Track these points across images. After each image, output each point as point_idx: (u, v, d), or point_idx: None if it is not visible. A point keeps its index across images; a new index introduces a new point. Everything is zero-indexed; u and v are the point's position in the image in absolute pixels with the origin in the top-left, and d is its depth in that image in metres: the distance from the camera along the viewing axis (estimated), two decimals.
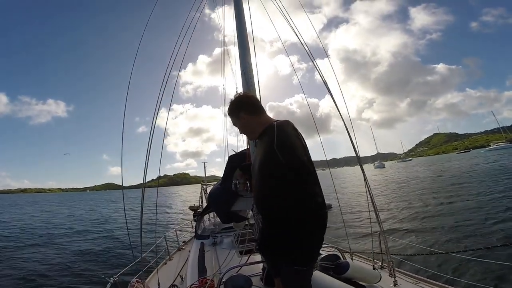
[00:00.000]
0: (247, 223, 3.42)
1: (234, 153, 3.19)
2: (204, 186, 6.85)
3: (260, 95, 2.42)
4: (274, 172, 1.35)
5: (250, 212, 3.60)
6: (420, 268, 3.47)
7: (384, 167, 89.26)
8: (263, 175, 1.40)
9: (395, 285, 2.28)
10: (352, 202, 15.36)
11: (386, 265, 2.62)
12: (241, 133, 1.71)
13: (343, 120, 2.63)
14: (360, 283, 2.14)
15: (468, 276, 4.40)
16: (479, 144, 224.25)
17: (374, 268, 2.62)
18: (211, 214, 5.69)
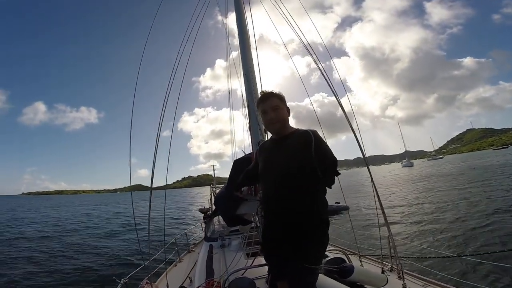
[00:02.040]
0: (253, 226, 3.45)
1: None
2: (214, 189, 6.89)
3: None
4: (306, 174, 1.42)
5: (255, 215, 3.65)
6: (430, 271, 3.31)
7: (412, 166, 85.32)
8: (291, 176, 1.45)
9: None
10: (369, 203, 14.89)
11: (395, 267, 2.54)
12: (270, 119, 1.61)
13: (348, 119, 2.59)
14: (366, 286, 2.09)
15: (481, 280, 4.15)
16: None
17: (382, 271, 2.55)
18: (220, 217, 5.74)
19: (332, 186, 1.52)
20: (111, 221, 20.79)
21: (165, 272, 3.21)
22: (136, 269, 2.95)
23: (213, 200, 6.70)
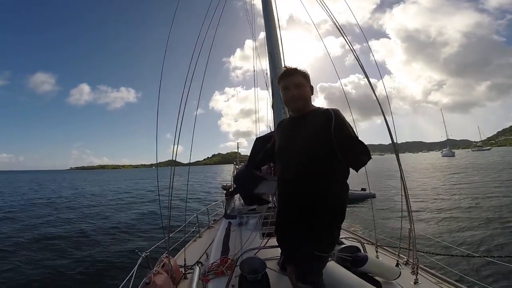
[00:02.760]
0: (270, 205, 3.48)
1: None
2: (237, 166, 6.95)
3: None
4: (324, 155, 1.34)
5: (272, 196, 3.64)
6: (449, 270, 3.13)
7: (453, 156, 79.46)
8: (308, 156, 1.38)
9: (415, 283, 2.14)
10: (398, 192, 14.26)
11: (411, 261, 2.44)
12: (292, 95, 1.52)
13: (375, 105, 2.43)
14: (376, 278, 2.04)
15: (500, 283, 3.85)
16: None
17: (397, 264, 2.47)
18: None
19: (360, 172, 1.40)
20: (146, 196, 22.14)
21: (184, 247, 3.36)
22: (157, 243, 3.07)
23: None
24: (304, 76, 1.55)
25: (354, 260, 2.07)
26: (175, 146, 2.36)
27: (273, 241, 2.79)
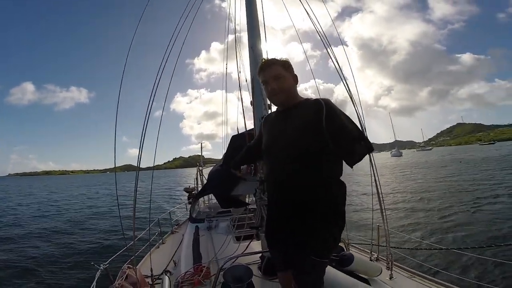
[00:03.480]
0: (246, 207, 3.31)
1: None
2: (200, 168, 6.58)
3: None
4: (317, 150, 1.22)
5: (250, 197, 3.53)
6: (417, 263, 3.33)
7: (401, 155, 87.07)
8: (299, 150, 1.26)
9: (390, 278, 2.21)
10: (358, 190, 15.10)
11: (383, 258, 2.53)
12: (271, 89, 1.39)
13: (354, 105, 2.48)
14: (362, 276, 2.06)
15: (465, 273, 4.18)
16: (505, 136, 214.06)
17: (370, 260, 2.55)
18: (207, 197, 5.57)
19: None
20: (95, 202, 20.16)
21: (147, 255, 3.08)
22: (117, 253, 2.76)
23: (199, 180, 6.45)
24: (284, 65, 1.41)
25: (341, 260, 2.08)
26: (140, 150, 2.13)
27: (252, 245, 2.66)
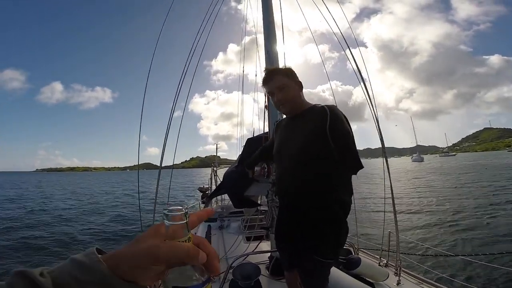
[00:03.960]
0: (257, 209, 3.39)
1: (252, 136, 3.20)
2: (215, 168, 6.65)
3: None
4: (322, 154, 1.27)
5: (262, 198, 3.60)
6: (426, 270, 3.25)
7: (422, 161, 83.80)
8: (306, 157, 1.32)
9: (398, 284, 2.19)
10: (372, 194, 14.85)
11: (392, 263, 2.52)
12: (278, 100, 1.45)
13: (370, 109, 2.48)
14: (368, 279, 2.08)
15: (474, 281, 4.06)
16: None
17: (379, 265, 2.55)
18: (220, 197, 5.64)
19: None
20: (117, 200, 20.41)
21: None
22: None
23: (213, 180, 6.55)
24: (287, 74, 1.46)
25: (348, 263, 2.11)
26: (163, 150, 2.27)
27: (261, 245, 2.79)
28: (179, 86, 2.36)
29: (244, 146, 2.94)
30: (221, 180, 3.56)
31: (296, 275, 1.49)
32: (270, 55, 2.54)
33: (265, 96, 2.66)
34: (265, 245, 2.85)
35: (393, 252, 2.53)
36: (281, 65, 2.48)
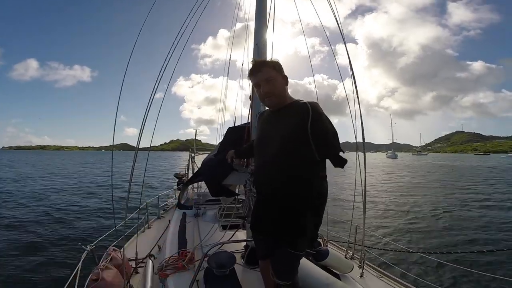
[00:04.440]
0: (235, 198, 3.37)
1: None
2: (193, 154, 6.45)
3: None
4: (301, 150, 1.30)
5: (240, 188, 3.62)
6: (387, 265, 3.38)
7: (396, 158, 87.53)
8: (285, 152, 1.34)
9: (361, 276, 2.32)
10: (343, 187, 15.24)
11: (357, 256, 2.65)
12: (264, 93, 1.45)
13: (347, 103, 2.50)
14: (334, 271, 2.16)
15: (429, 276, 4.31)
16: (501, 149, 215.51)
17: (345, 258, 2.67)
18: (196, 184, 5.53)
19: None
20: (86, 181, 19.37)
21: (133, 238, 3.08)
22: (104, 234, 2.77)
23: (190, 166, 6.39)
24: (274, 67, 1.45)
25: (317, 254, 2.19)
26: (141, 132, 2.15)
27: (237, 234, 2.80)
28: (163, 68, 2.25)
29: (225, 134, 2.91)
30: (199, 166, 3.50)
31: (268, 264, 1.52)
32: (259, 43, 2.48)
33: (250, 86, 2.62)
34: (241, 234, 2.87)
35: (359, 245, 2.65)
36: (269, 54, 2.44)
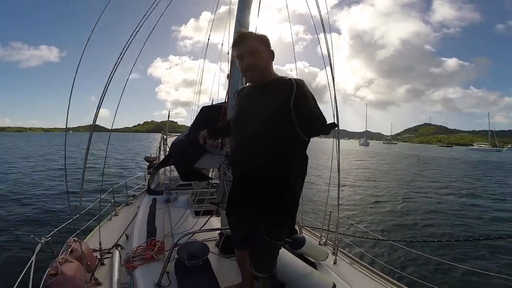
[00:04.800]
0: (208, 182, 3.21)
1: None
2: (165, 136, 6.14)
3: None
4: (285, 127, 1.19)
5: (214, 172, 3.45)
6: (360, 251, 3.53)
7: (368, 145, 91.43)
8: (265, 130, 1.23)
9: (334, 263, 2.33)
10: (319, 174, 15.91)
11: (330, 242, 2.66)
12: (247, 65, 1.33)
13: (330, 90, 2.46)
14: (309, 259, 2.15)
15: (393, 262, 4.40)
16: (463, 142, 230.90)
17: (319, 244, 2.67)
18: (168, 168, 5.30)
19: None
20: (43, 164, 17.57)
21: (97, 227, 2.85)
22: (62, 224, 2.46)
23: (162, 149, 6.11)
24: (261, 40, 1.34)
25: (294, 242, 2.12)
26: (98, 109, 1.95)
27: (211, 221, 2.62)
28: (126, 46, 2.04)
29: (198, 113, 2.67)
30: (169, 149, 3.29)
31: (245, 253, 1.44)
32: (241, 24, 2.29)
33: (228, 62, 2.44)
34: (216, 221, 2.74)
35: (333, 232, 2.67)
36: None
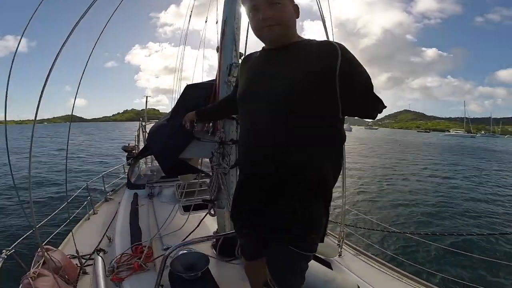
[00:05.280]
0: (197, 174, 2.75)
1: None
2: (144, 123, 5.58)
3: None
4: (323, 105, 0.89)
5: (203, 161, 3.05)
6: (365, 242, 3.42)
7: (351, 131, 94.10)
8: (296, 107, 0.90)
9: (339, 255, 2.17)
10: None
11: (336, 235, 2.43)
12: (265, 19, 0.94)
13: None
14: (320, 256, 1.94)
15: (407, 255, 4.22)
16: (439, 128, 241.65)
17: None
18: (149, 158, 4.84)
19: None
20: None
21: (73, 229, 2.55)
22: (27, 233, 2.00)
23: (141, 137, 5.55)
24: None
25: None
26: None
27: (206, 221, 2.18)
28: (101, 33, 1.74)
29: (182, 93, 2.13)
30: (147, 137, 2.84)
31: (259, 265, 1.16)
32: (227, 13, 1.90)
33: (218, 33, 2.02)
34: (211, 220, 2.32)
35: (338, 223, 2.48)
36: (228, 27, 1.83)
